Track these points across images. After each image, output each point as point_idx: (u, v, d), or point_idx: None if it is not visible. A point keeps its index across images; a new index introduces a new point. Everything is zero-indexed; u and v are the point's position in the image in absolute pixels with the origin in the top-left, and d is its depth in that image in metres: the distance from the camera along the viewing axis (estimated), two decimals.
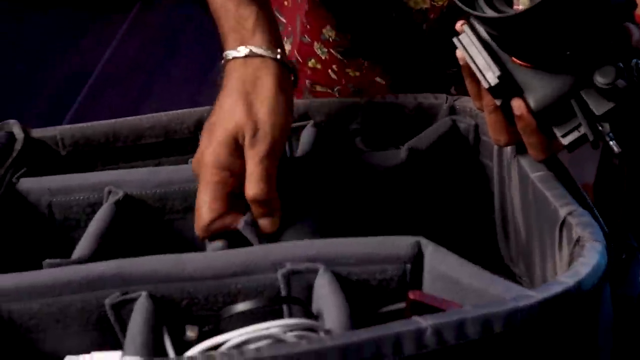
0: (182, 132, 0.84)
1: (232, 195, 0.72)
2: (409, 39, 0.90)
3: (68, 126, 0.84)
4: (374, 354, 0.52)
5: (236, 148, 0.71)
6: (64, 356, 0.60)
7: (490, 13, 0.64)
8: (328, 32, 0.93)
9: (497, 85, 0.66)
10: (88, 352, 0.60)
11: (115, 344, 0.64)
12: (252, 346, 0.57)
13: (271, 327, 0.57)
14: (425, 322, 0.53)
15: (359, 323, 0.59)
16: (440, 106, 0.84)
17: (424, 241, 0.64)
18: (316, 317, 0.62)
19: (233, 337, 0.57)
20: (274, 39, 0.75)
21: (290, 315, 0.64)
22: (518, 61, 0.66)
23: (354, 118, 0.84)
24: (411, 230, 0.79)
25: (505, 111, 0.68)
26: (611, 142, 0.64)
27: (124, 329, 0.62)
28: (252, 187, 0.71)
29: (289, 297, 0.63)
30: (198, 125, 0.83)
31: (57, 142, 0.83)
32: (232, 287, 0.63)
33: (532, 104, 0.66)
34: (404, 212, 0.80)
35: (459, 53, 0.68)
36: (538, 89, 0.66)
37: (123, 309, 0.63)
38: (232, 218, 0.72)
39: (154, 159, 0.85)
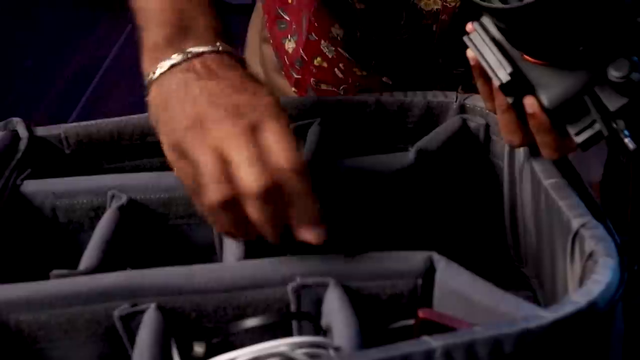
0: None
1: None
2: (419, 40, 0.89)
3: (72, 124, 0.82)
4: None
5: None
6: None
7: (500, 5, 0.62)
8: (336, 31, 0.92)
9: (509, 82, 0.65)
10: None
11: (123, 355, 0.64)
12: None
13: (280, 345, 0.57)
14: (434, 342, 0.53)
15: (369, 338, 0.59)
16: (450, 104, 0.82)
17: (436, 256, 0.64)
18: (325, 331, 0.62)
19: (242, 354, 0.57)
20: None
21: (300, 329, 0.63)
22: (530, 59, 0.65)
23: (360, 116, 0.83)
24: (420, 234, 0.79)
25: (517, 110, 0.67)
26: (626, 140, 0.63)
27: (132, 341, 0.63)
28: (286, 156, 0.60)
29: (298, 312, 0.62)
30: None
31: (61, 141, 0.81)
32: (241, 299, 0.63)
33: (544, 101, 0.65)
34: (413, 215, 0.80)
35: (470, 53, 0.67)
36: (550, 86, 0.64)
37: (132, 320, 0.63)
38: None
39: (159, 157, 0.83)
